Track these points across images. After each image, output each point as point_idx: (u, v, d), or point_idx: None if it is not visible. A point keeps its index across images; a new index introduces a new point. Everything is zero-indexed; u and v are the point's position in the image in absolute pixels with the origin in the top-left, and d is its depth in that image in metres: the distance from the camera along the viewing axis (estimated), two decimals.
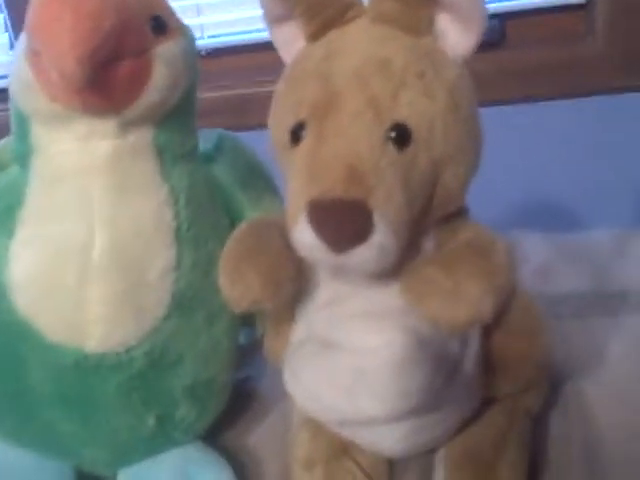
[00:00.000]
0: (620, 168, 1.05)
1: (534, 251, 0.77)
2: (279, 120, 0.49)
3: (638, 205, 1.05)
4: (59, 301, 0.51)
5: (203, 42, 1.05)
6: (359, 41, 0.46)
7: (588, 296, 0.71)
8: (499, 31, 1.03)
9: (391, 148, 0.44)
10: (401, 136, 0.44)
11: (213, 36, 1.07)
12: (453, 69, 0.47)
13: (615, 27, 1.00)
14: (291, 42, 0.51)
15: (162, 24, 0.51)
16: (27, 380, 0.53)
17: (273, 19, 0.51)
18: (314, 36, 0.48)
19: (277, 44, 0.52)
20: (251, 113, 0.97)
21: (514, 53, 1.02)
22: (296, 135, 0.46)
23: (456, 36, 0.46)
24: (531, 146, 1.05)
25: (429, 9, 0.46)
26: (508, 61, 1.01)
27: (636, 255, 0.76)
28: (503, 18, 1.03)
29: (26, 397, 0.53)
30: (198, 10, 1.07)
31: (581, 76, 1.02)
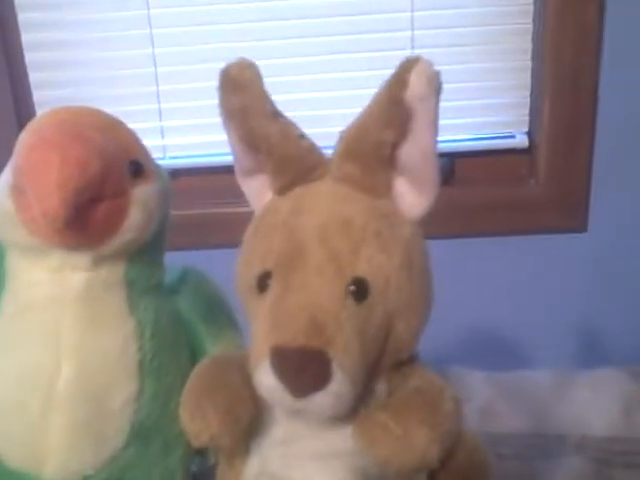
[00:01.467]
0: (560, 307, 1.10)
1: (477, 390, 0.80)
2: (247, 266, 0.52)
3: (578, 345, 1.10)
4: (21, 428, 0.52)
5: (165, 162, 1.09)
6: (323, 199, 0.50)
7: (528, 437, 0.74)
8: (448, 169, 1.10)
9: (350, 301, 0.47)
10: (360, 290, 0.47)
11: (175, 157, 1.13)
12: (408, 228, 0.51)
13: (555, 171, 1.07)
14: (260, 192, 0.55)
15: (139, 167, 0.54)
16: None
17: (244, 171, 0.55)
18: (281, 190, 0.52)
19: (247, 193, 0.56)
20: (211, 233, 1.03)
21: (462, 190, 1.09)
22: (263, 282, 0.49)
23: (412, 198, 0.51)
24: (476, 280, 1.09)
25: (387, 174, 0.50)
26: (456, 198, 1.07)
27: (573, 397, 0.80)
28: (453, 157, 1.10)
29: None
30: (162, 132, 1.12)
31: (523, 215, 1.09)
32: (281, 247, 0.49)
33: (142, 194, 0.54)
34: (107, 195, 0.51)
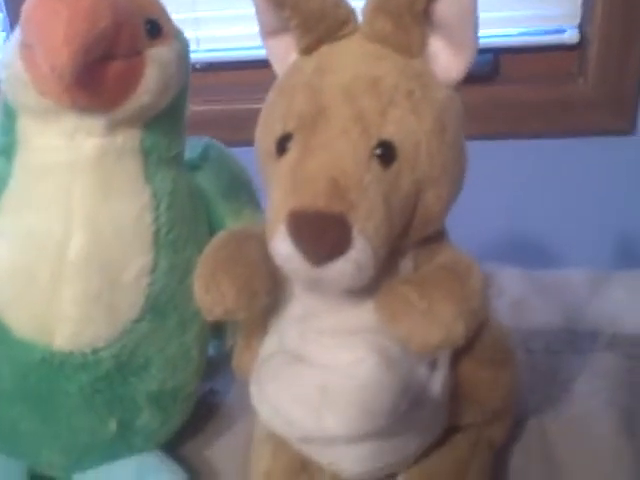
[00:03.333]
0: (601, 211, 1.06)
1: (509, 285, 0.77)
2: (267, 130, 0.49)
3: (615, 248, 1.07)
4: (30, 296, 0.50)
5: (199, 55, 1.05)
6: (351, 58, 0.47)
7: (559, 333, 0.71)
8: (492, 65, 1.05)
9: (376, 165, 0.44)
10: (386, 154, 0.44)
11: (209, 50, 1.08)
12: (442, 91, 0.47)
13: (606, 69, 1.02)
14: (284, 55, 0.51)
15: (157, 28, 0.52)
16: None
17: (268, 31, 0.51)
18: (307, 50, 0.49)
19: (270, 56, 0.52)
20: (241, 129, 0.98)
21: (506, 88, 1.04)
22: (282, 146, 0.46)
23: (447, 60, 0.47)
24: (514, 181, 1.06)
25: (422, 31, 0.46)
26: (499, 95, 1.02)
27: (609, 296, 0.77)
28: (497, 53, 1.05)
29: None
30: (196, 23, 1.07)
31: (570, 116, 1.04)
32: (303, 107, 0.46)
33: (159, 55, 0.51)
34: (120, 53, 0.48)
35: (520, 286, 0.79)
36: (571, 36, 1.02)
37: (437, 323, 0.44)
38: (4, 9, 1.08)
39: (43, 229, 0.50)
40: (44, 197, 0.51)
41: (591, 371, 0.65)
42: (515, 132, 1.04)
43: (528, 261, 0.88)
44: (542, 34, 1.03)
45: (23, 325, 0.51)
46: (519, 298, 0.76)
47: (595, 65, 1.01)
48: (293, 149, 0.45)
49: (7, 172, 0.52)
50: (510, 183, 1.05)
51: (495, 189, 0.97)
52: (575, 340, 0.70)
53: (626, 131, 1.04)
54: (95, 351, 0.51)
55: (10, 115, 0.52)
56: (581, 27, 1.02)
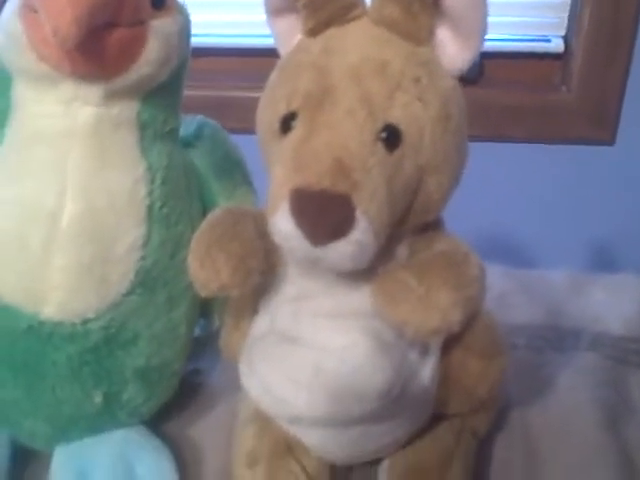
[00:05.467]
0: (577, 216, 1.07)
1: (492, 281, 0.77)
2: (270, 108, 0.48)
3: (593, 252, 1.08)
4: (21, 263, 0.50)
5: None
6: (359, 40, 0.46)
7: (542, 330, 0.72)
8: (477, 69, 1.05)
9: (380, 148, 0.44)
10: (392, 137, 0.44)
11: (197, 35, 1.07)
12: (448, 80, 0.47)
13: (589, 80, 1.03)
14: (288, 34, 0.51)
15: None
16: None
17: (273, 9, 0.51)
18: (313, 31, 0.48)
19: (274, 35, 0.52)
20: (229, 116, 0.98)
21: (489, 91, 1.05)
22: (286, 124, 0.46)
23: (454, 49, 0.47)
24: (495, 183, 1.07)
25: (430, 19, 0.46)
26: (482, 98, 1.02)
27: (590, 297, 0.78)
28: (482, 57, 1.05)
29: None
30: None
31: (551, 123, 1.05)
32: (309, 86, 0.45)
33: (162, 27, 0.51)
34: (124, 22, 0.48)
35: (503, 283, 0.79)
36: (556, 45, 1.03)
37: (434, 308, 0.44)
38: None
39: (36, 197, 0.50)
40: (37, 165, 0.50)
41: (573, 368, 0.66)
42: (497, 135, 1.05)
43: (507, 262, 0.88)
44: (528, 41, 1.04)
45: (12, 292, 0.50)
46: (502, 294, 0.77)
47: (578, 75, 1.02)
48: (298, 127, 0.45)
49: None
50: (491, 185, 1.05)
51: (477, 190, 0.98)
52: (557, 338, 0.70)
53: (606, 141, 1.05)
54: (84, 322, 0.51)
55: (4, 80, 0.51)
56: (566, 37, 1.03)
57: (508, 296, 0.77)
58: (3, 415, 0.53)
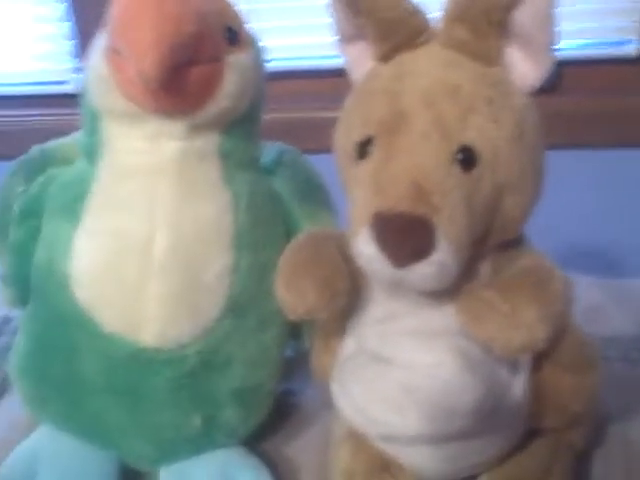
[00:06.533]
0: None
1: (585, 292, 0.76)
2: (346, 134, 0.49)
3: None
4: (118, 295, 0.52)
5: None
6: (430, 64, 0.47)
7: (636, 341, 0.70)
8: (554, 77, 1.04)
9: (457, 169, 0.44)
10: (468, 158, 0.45)
11: (275, 59, 1.09)
12: (520, 98, 0.47)
13: None
14: (360, 61, 0.52)
15: (235, 35, 0.53)
16: (79, 368, 0.54)
17: (345, 37, 0.52)
18: (384, 57, 0.49)
19: (347, 62, 0.53)
20: (305, 137, 1.00)
21: (568, 99, 1.03)
22: (363, 149, 0.47)
23: (525, 66, 0.47)
24: (577, 191, 1.04)
25: (499, 39, 0.46)
26: (562, 107, 1.01)
27: None
28: (559, 65, 1.03)
29: (77, 384, 0.54)
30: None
31: (630, 127, 1.02)
32: (383, 112, 0.46)
33: (238, 61, 0.53)
34: (203, 59, 0.50)
35: (595, 294, 0.77)
36: (631, 49, 1.01)
37: (520, 326, 0.44)
38: (72, 17, 1.10)
39: (128, 229, 0.52)
40: (128, 198, 0.53)
41: None
42: (578, 142, 1.02)
43: (595, 272, 0.86)
44: (603, 46, 1.02)
45: (112, 321, 0.52)
46: (594, 306, 0.75)
47: None
48: (375, 153, 0.46)
49: (91, 174, 0.54)
50: (574, 193, 1.03)
51: (560, 199, 0.96)
52: None
53: None
54: (180, 348, 0.53)
55: (94, 117, 0.54)
56: None
57: (598, 307, 0.75)
58: (110, 438, 0.56)
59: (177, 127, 0.52)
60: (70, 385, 0.55)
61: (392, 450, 0.51)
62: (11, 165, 0.59)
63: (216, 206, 0.53)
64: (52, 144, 0.60)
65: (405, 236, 0.43)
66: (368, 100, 0.49)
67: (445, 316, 0.48)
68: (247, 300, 0.55)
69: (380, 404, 0.48)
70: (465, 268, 0.45)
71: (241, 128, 0.55)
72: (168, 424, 0.55)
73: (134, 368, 0.53)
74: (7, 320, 0.76)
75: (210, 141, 0.54)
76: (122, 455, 0.57)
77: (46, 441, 0.57)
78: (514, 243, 0.50)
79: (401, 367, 0.48)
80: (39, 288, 0.56)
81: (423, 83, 0.46)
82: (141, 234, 0.52)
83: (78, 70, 1.09)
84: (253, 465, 0.56)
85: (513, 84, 0.47)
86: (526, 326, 0.44)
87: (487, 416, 0.47)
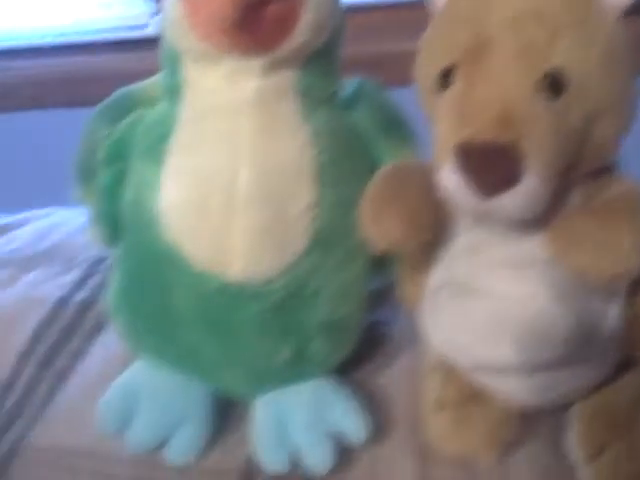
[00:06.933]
0: None
1: None
2: (428, 64, 0.48)
3: None
4: (205, 230, 0.53)
5: None
6: None
7: None
8: None
9: (545, 95, 0.43)
10: (555, 84, 0.43)
11: None
12: (610, 20, 0.45)
13: None
14: None
15: None
16: (172, 303, 0.55)
17: None
18: None
19: None
20: (386, 71, 0.97)
21: None
22: (446, 79, 0.46)
23: None
24: None
25: None
26: None
27: None
28: None
29: (170, 319, 0.56)
30: None
31: None
32: (466, 39, 0.45)
33: None
34: None
35: None
36: None
37: (614, 253, 0.43)
38: None
39: (212, 166, 0.53)
40: (211, 136, 0.53)
41: None
42: None
43: None
44: None
45: (200, 257, 0.53)
46: None
47: None
48: (458, 81, 0.45)
49: (174, 115, 0.55)
50: None
51: None
52: None
53: None
54: (267, 282, 0.53)
55: (173, 59, 0.54)
56: None
57: None
58: (205, 370, 0.58)
59: (254, 65, 0.51)
60: (164, 319, 0.57)
61: (482, 380, 0.51)
62: (95, 110, 0.59)
63: (297, 142, 0.53)
64: (135, 87, 0.60)
65: (491, 165, 0.41)
66: (450, 28, 0.47)
67: (535, 245, 0.47)
68: (332, 234, 0.55)
69: (469, 335, 0.48)
70: (555, 197, 0.44)
71: (319, 63, 0.54)
72: (258, 356, 0.56)
73: (223, 303, 0.54)
74: (100, 259, 0.78)
75: (288, 78, 0.53)
76: (217, 386, 0.59)
77: (144, 375, 0.59)
78: (605, 170, 0.49)
79: (491, 298, 0.47)
80: (129, 228, 0.58)
81: (508, 9, 0.44)
82: (225, 170, 0.52)
83: (156, 14, 1.10)
84: (345, 394, 0.57)
85: (602, 5, 0.45)
86: (620, 253, 0.43)
87: (579, 345, 0.47)
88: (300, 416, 0.56)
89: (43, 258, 0.82)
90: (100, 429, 0.57)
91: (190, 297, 0.55)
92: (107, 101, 0.60)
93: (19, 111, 1.22)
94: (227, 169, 0.52)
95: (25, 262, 0.82)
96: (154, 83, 0.59)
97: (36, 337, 0.70)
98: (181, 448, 0.57)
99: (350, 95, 0.59)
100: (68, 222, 0.88)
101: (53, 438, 0.60)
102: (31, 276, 0.79)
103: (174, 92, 0.55)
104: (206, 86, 0.53)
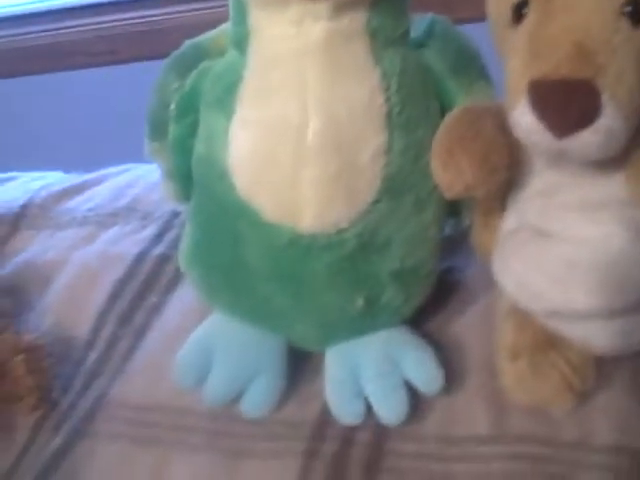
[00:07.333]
0: None
1: None
2: None
3: None
4: (275, 181, 0.53)
5: None
6: None
7: None
8: None
9: (625, 24, 0.41)
10: (637, 11, 0.40)
11: None
12: None
13: None
14: None
15: None
16: (244, 256, 0.56)
17: None
18: None
19: None
20: (459, 6, 0.95)
21: None
22: (519, 12, 0.44)
23: None
24: None
25: None
26: None
27: None
28: None
29: (243, 271, 0.57)
30: None
31: None
32: None
33: None
34: None
35: None
36: None
37: None
38: None
39: (280, 115, 0.52)
40: (279, 85, 0.52)
41: None
42: None
43: None
44: None
45: (270, 209, 0.53)
46: None
47: None
48: (531, 14, 0.43)
49: (242, 64, 0.54)
50: None
51: None
52: None
53: None
54: (338, 232, 0.53)
55: (241, 6, 0.54)
56: None
57: None
58: (278, 321, 0.58)
59: (321, 8, 0.50)
60: (236, 272, 0.57)
61: (558, 326, 0.50)
62: (164, 62, 0.60)
63: (366, 87, 0.52)
64: (202, 37, 0.60)
65: (567, 102, 0.40)
66: None
67: (612, 186, 0.45)
68: (403, 180, 0.54)
69: (544, 279, 0.46)
70: (635, 134, 0.42)
71: (389, 2, 0.53)
72: (331, 307, 0.56)
73: (294, 254, 0.54)
74: (176, 214, 0.79)
75: (357, 19, 0.52)
76: (290, 337, 0.59)
77: (218, 329, 0.60)
78: None
79: (565, 241, 0.46)
80: (201, 181, 0.58)
81: None
82: (294, 119, 0.52)
83: None
84: (417, 344, 0.57)
85: None
86: None
87: None
88: (373, 367, 0.56)
89: (121, 215, 0.84)
90: (177, 384, 0.58)
91: (261, 250, 0.55)
92: (176, 53, 0.59)
93: (92, 67, 1.24)
94: (296, 117, 0.52)
95: (103, 219, 0.83)
96: (222, 33, 0.59)
97: (115, 293, 0.72)
98: (256, 401, 0.58)
99: (421, 34, 0.57)
100: (144, 178, 0.89)
101: (133, 393, 0.62)
102: (110, 233, 0.81)
103: (241, 41, 0.55)
104: (273, 33, 0.52)
